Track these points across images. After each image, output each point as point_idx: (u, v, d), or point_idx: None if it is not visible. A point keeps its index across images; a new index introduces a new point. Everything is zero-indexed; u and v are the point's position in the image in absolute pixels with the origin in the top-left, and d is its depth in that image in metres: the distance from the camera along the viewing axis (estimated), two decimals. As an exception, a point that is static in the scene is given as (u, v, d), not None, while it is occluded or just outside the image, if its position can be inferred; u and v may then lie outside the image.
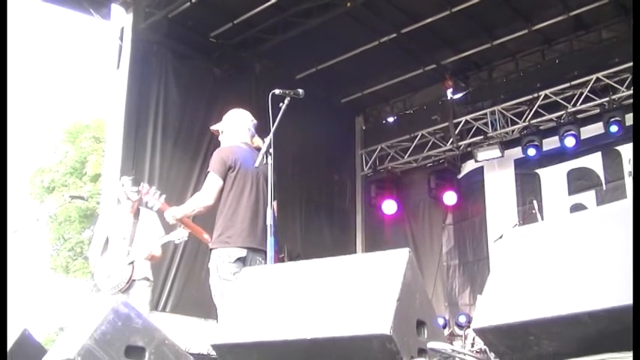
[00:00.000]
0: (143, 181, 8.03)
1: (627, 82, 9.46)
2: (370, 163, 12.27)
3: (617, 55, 9.52)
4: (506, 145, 10.78)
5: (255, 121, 5.37)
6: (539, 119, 10.37)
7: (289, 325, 2.90)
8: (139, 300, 6.29)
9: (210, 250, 4.98)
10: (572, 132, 9.86)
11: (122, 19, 9.13)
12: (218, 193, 4.96)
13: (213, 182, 4.97)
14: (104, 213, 7.73)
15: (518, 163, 10.90)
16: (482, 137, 10.93)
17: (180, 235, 6.50)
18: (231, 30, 9.94)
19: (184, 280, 9.07)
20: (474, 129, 11.07)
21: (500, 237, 6.72)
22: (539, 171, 10.68)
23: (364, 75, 11.53)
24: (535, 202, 8.89)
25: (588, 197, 9.95)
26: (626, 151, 9.55)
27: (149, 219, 6.88)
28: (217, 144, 9.87)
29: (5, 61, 5.96)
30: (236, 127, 5.30)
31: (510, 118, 10.71)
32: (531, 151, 10.29)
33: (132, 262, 6.46)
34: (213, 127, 5.39)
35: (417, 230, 12.08)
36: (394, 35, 10.15)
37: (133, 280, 6.48)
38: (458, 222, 11.66)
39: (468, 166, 11.62)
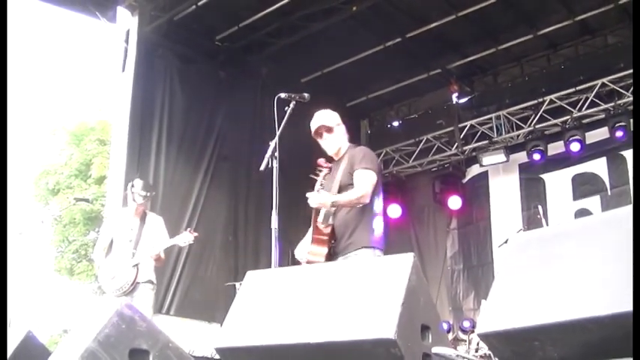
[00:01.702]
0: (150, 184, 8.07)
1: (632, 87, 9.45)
2: (375, 167, 12.25)
3: (622, 60, 9.49)
4: (511, 149, 10.77)
5: None
6: (544, 124, 10.35)
7: (293, 329, 2.90)
8: (142, 303, 6.31)
9: (360, 247, 4.68)
10: (577, 137, 9.85)
11: (128, 21, 9.16)
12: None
13: (373, 181, 4.78)
14: (110, 215, 7.74)
15: (523, 168, 10.89)
16: (487, 142, 10.92)
17: (186, 239, 6.53)
18: (236, 33, 9.95)
19: (188, 283, 9.09)
20: (479, 133, 11.06)
21: (505, 242, 6.71)
22: (544, 176, 10.66)
23: (369, 79, 11.53)
24: (540, 207, 8.87)
25: (593, 202, 9.93)
26: (632, 156, 9.53)
27: (155, 223, 6.90)
28: (222, 149, 9.94)
29: (5, 62, 5.97)
30: (344, 128, 5.18)
31: (515, 123, 10.69)
32: (536, 156, 10.28)
33: (136, 265, 6.48)
34: (327, 124, 5.04)
35: (421, 235, 12.07)
36: (399, 39, 10.16)
37: (137, 283, 6.50)
38: (462, 226, 11.65)
39: (473, 170, 11.61)
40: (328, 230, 4.71)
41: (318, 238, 4.70)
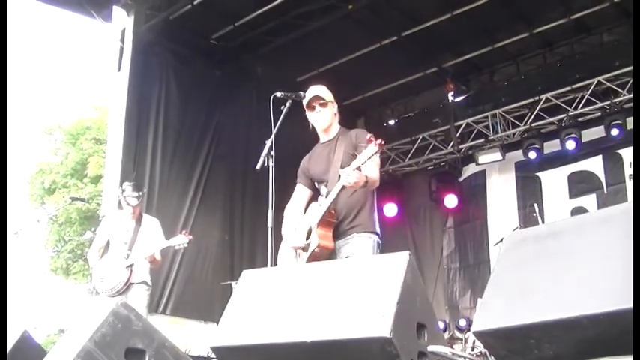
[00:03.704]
0: (144, 185, 8.08)
1: (628, 85, 9.46)
2: (371, 165, 12.23)
3: (618, 58, 9.52)
4: (507, 148, 10.79)
5: None
6: (540, 122, 10.37)
7: (289, 327, 2.89)
8: (136, 303, 6.27)
9: (364, 231, 4.52)
10: (573, 135, 9.88)
11: (123, 21, 9.14)
12: None
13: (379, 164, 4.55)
14: (107, 216, 7.74)
15: (519, 167, 10.91)
16: (483, 140, 10.94)
17: (180, 241, 6.54)
18: (232, 32, 9.94)
19: (184, 283, 9.09)
20: (475, 132, 11.07)
21: (501, 240, 6.73)
22: (540, 174, 10.68)
23: (365, 78, 11.52)
24: (536, 205, 8.88)
25: (589, 201, 9.95)
26: (627, 154, 9.55)
27: (151, 225, 6.89)
28: (218, 148, 9.94)
29: (5, 61, 5.96)
30: (337, 108, 4.94)
31: (511, 121, 10.71)
32: (532, 155, 10.30)
33: (130, 266, 6.46)
34: (321, 95, 4.79)
35: (417, 233, 12.07)
36: (395, 38, 10.15)
37: (131, 284, 6.49)
38: (459, 225, 11.66)
39: (469, 169, 11.63)
40: (334, 212, 4.53)
41: (329, 221, 4.50)
